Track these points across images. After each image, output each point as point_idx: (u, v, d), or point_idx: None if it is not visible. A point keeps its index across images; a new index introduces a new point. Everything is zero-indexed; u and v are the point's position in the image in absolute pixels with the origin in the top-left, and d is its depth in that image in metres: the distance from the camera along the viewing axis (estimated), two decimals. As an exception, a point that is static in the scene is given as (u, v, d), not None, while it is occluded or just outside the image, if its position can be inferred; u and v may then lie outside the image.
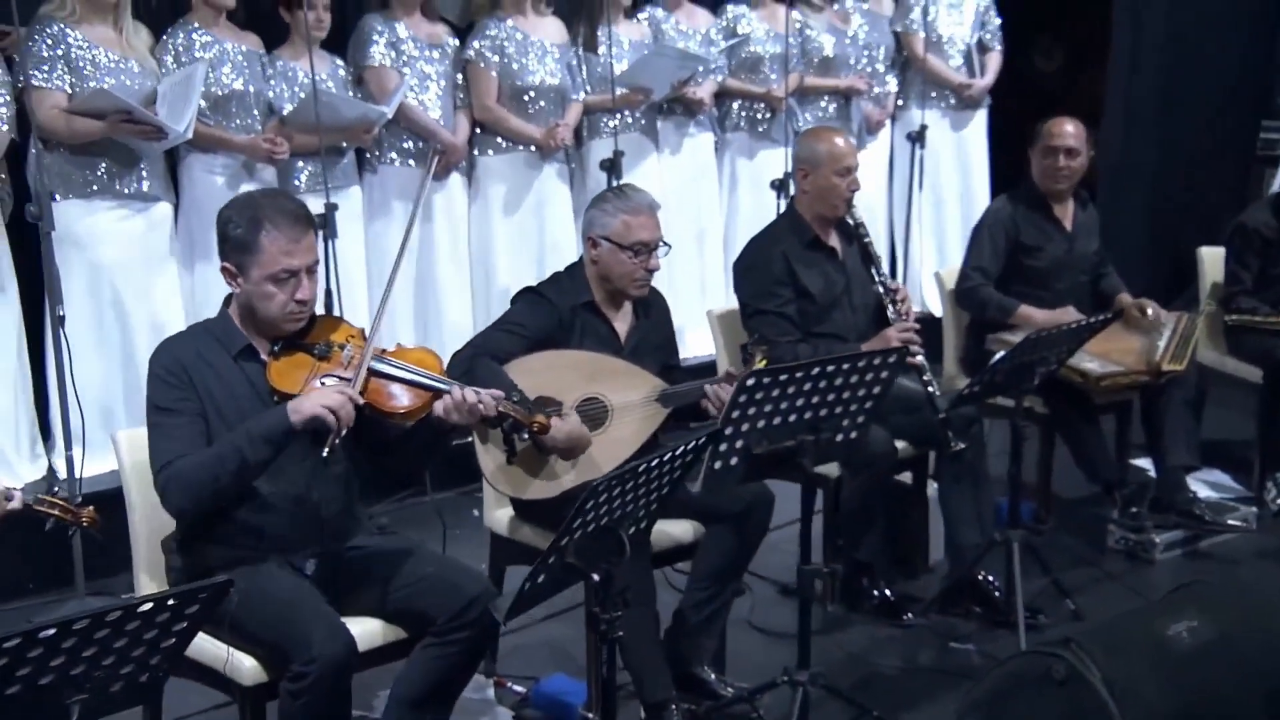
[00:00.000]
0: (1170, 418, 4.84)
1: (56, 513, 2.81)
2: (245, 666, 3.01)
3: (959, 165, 7.18)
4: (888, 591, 4.35)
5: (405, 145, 5.40)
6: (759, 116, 6.45)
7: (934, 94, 6.99)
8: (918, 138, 6.82)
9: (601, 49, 5.71)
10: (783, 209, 5.97)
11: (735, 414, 3.23)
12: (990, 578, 4.33)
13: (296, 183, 5.10)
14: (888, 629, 4.28)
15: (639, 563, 3.55)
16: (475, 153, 5.59)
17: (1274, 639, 3.25)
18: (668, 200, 6.05)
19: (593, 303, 3.79)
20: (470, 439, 3.60)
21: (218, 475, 2.96)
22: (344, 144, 5.20)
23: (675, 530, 3.78)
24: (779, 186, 6.01)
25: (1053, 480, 5.12)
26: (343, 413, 2.92)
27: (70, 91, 4.48)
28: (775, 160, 6.27)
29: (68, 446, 4.26)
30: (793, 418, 3.32)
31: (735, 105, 6.44)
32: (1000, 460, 4.40)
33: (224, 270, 3.11)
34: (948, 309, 5.24)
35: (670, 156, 6.18)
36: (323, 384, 3.07)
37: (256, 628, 2.97)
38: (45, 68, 4.46)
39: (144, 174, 4.68)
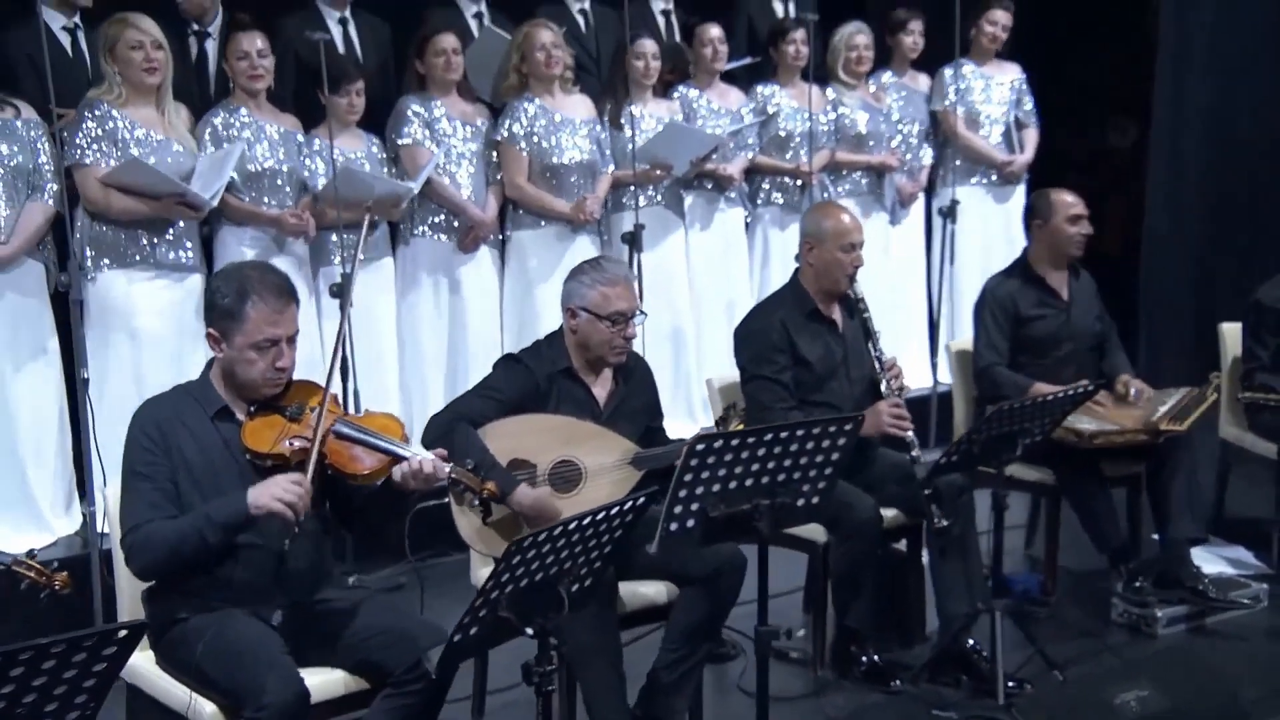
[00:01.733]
0: (1174, 488, 4.75)
1: (32, 575, 2.95)
2: (206, 711, 3.09)
3: (1004, 239, 7.13)
4: (876, 658, 4.31)
5: (437, 219, 5.56)
6: (790, 191, 6.50)
7: (973, 171, 6.99)
8: (949, 213, 6.79)
9: (626, 127, 5.84)
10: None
11: (687, 477, 3.26)
12: (979, 647, 4.27)
13: (331, 254, 5.27)
14: (875, 695, 4.23)
15: (603, 622, 3.59)
16: (510, 228, 5.73)
17: (1227, 715, 3.18)
18: (696, 272, 6.23)
19: (571, 369, 3.86)
20: (446, 500, 3.69)
21: (178, 549, 3.08)
22: (375, 218, 5.36)
23: (649, 591, 3.80)
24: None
25: (1063, 552, 5.04)
26: (299, 505, 3.04)
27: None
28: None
29: (89, 504, 4.43)
30: (748, 482, 3.33)
31: (766, 181, 6.51)
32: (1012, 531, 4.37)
33: (209, 335, 3.24)
34: (957, 380, 5.22)
35: (699, 230, 6.25)
36: (290, 445, 3.19)
37: (216, 674, 3.07)
38: (91, 146, 4.70)
39: (183, 245, 4.88)
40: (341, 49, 5.79)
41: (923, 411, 6.35)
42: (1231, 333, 5.50)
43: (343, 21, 5.88)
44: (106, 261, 4.76)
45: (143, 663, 3.26)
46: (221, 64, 5.26)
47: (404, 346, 5.53)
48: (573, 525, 2.86)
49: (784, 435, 3.33)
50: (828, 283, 4.43)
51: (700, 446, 3.24)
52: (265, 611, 3.22)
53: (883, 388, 4.34)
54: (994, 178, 7.04)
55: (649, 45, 5.94)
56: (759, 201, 6.54)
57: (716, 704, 4.17)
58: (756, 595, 3.42)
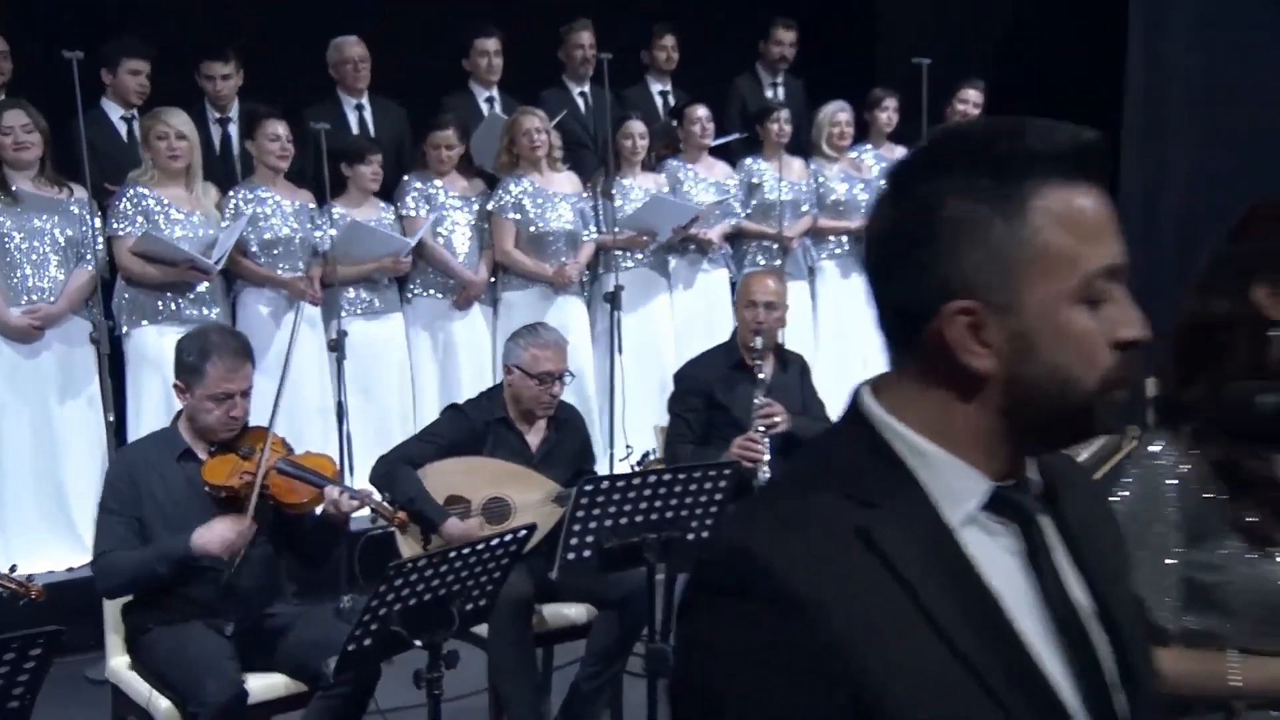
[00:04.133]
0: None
1: (12, 586, 3.37)
2: (162, 706, 3.49)
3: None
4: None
5: (435, 281, 5.99)
6: (773, 255, 6.80)
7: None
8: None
9: (618, 198, 6.21)
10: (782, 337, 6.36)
11: (579, 514, 3.59)
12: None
13: (343, 308, 5.69)
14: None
15: (520, 639, 3.92)
16: (501, 289, 6.12)
17: None
18: (679, 329, 6.53)
19: (507, 418, 4.21)
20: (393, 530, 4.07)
21: (135, 578, 3.52)
22: (384, 277, 5.79)
23: (571, 613, 4.13)
24: (776, 317, 6.34)
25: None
26: (235, 545, 3.44)
27: (145, 240, 5.22)
28: (791, 293, 6.62)
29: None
30: (638, 518, 3.66)
31: (751, 245, 6.83)
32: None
33: (175, 387, 3.68)
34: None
35: (683, 290, 6.57)
36: (241, 478, 3.60)
37: (169, 674, 3.47)
38: (126, 221, 5.19)
39: (207, 303, 5.34)
40: (356, 131, 6.25)
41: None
42: (1151, 386, 5.66)
43: (359, 107, 6.36)
44: (141, 319, 5.23)
45: (121, 666, 3.68)
46: (245, 145, 5.72)
47: (410, 396, 5.93)
48: (453, 553, 3.21)
49: (666, 478, 3.65)
50: (743, 336, 4.74)
51: (588, 488, 3.57)
52: (219, 624, 3.61)
53: (753, 425, 4.55)
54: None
55: (637, 126, 6.31)
56: (745, 264, 6.85)
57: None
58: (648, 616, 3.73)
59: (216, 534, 3.47)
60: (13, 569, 3.39)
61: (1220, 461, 1.87)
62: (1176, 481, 1.90)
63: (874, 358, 5.10)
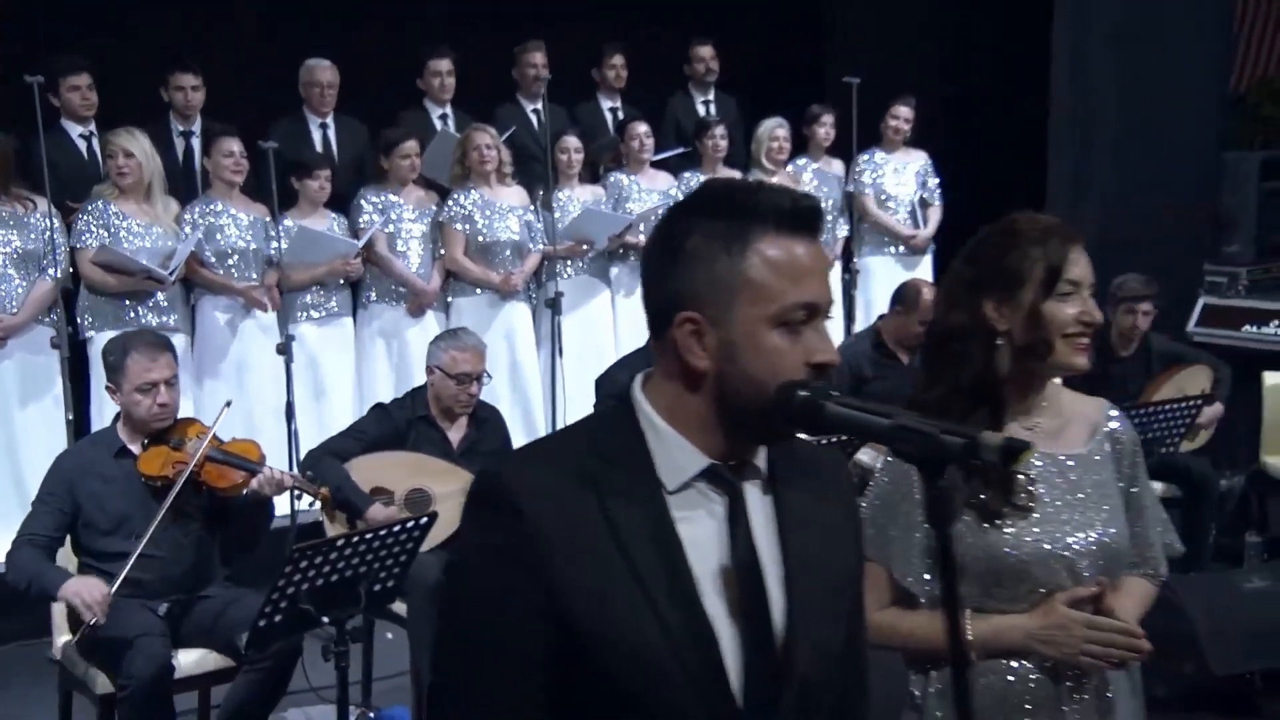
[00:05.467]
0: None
1: None
2: (98, 680, 3.71)
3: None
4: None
5: (390, 289, 6.20)
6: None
7: (883, 243, 7.46)
8: (850, 282, 7.27)
9: (557, 210, 6.44)
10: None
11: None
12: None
13: (298, 312, 5.92)
14: None
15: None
16: (450, 296, 6.34)
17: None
18: (622, 332, 6.75)
19: (429, 416, 4.43)
20: (321, 517, 4.30)
21: (16, 581, 3.73)
22: (336, 282, 6.02)
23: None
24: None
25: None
26: (95, 607, 3.58)
27: (104, 251, 5.45)
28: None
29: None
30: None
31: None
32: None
33: (107, 388, 3.91)
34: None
35: (624, 296, 6.78)
36: (173, 469, 3.82)
37: (104, 652, 3.69)
38: (88, 233, 5.43)
39: (165, 310, 5.56)
40: (320, 148, 6.47)
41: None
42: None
43: (323, 126, 6.58)
44: (102, 324, 5.45)
45: (64, 645, 3.90)
46: (203, 160, 5.94)
47: (360, 395, 6.14)
48: (356, 538, 3.43)
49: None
50: None
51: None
52: (154, 604, 3.83)
53: None
54: (901, 249, 7.49)
55: (572, 140, 6.55)
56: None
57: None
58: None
59: (72, 590, 3.63)
60: None
61: None
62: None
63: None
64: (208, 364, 5.75)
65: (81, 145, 5.91)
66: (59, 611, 3.94)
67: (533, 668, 1.50)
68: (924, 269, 7.56)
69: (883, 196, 7.47)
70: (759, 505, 1.58)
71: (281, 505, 5.41)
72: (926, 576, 2.12)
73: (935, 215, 7.54)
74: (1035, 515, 2.09)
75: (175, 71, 6.17)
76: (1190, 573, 5.01)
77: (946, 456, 1.36)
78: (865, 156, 7.46)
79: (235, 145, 5.76)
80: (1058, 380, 2.23)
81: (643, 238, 6.73)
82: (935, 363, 2.15)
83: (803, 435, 1.59)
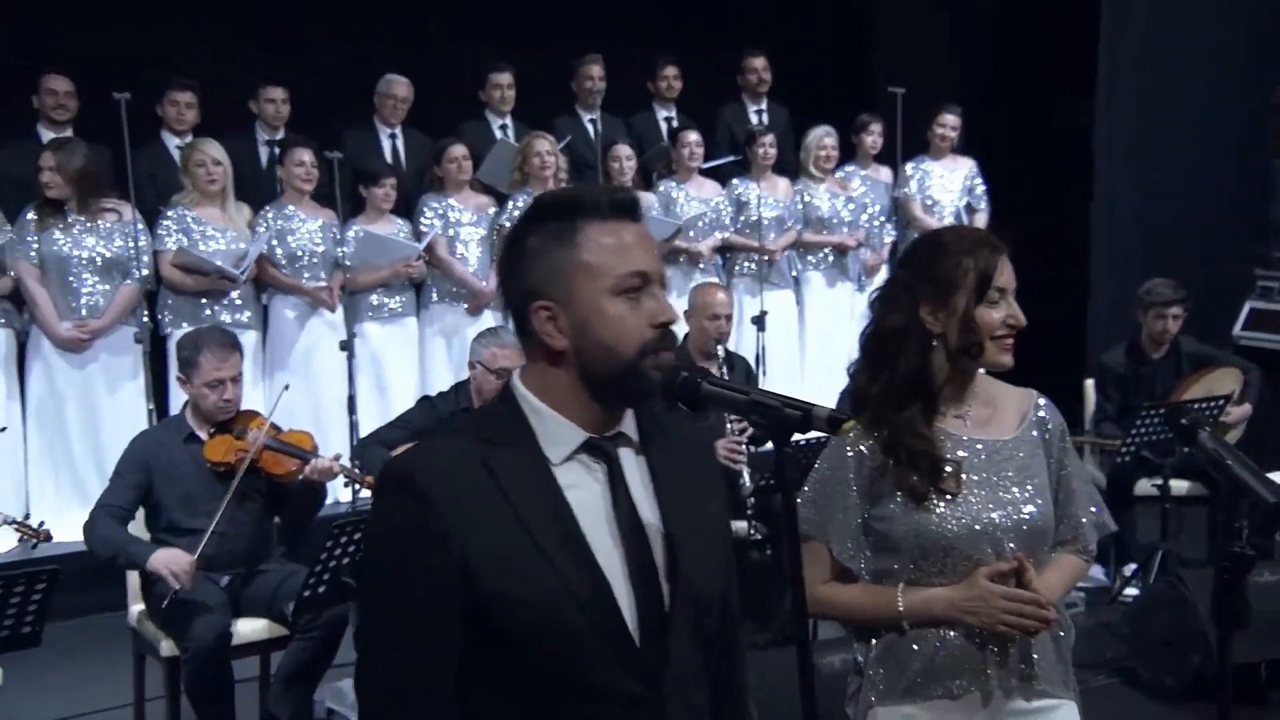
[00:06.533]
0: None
1: (28, 531, 3.97)
2: (164, 645, 4.01)
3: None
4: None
5: (450, 290, 6.49)
6: (760, 265, 7.20)
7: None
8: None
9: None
10: (762, 340, 6.77)
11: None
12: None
13: (365, 313, 6.23)
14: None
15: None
16: (507, 296, 6.60)
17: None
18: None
19: (471, 408, 4.67)
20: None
21: (97, 549, 3.98)
22: (400, 283, 6.31)
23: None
24: (757, 321, 6.76)
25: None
26: (181, 578, 3.86)
27: (184, 253, 5.81)
28: (776, 300, 7.07)
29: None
30: None
31: (740, 257, 7.24)
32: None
33: (178, 379, 4.22)
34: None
35: (676, 297, 6.98)
36: (236, 456, 4.12)
37: (170, 619, 3.99)
38: (169, 237, 5.79)
39: (239, 309, 5.91)
40: (389, 158, 6.79)
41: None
42: (1090, 389, 5.99)
43: (392, 136, 6.91)
44: (180, 321, 5.80)
45: (137, 613, 4.22)
46: (276, 169, 6.29)
47: (422, 390, 6.42)
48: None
49: None
50: (700, 343, 5.16)
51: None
52: (217, 577, 4.13)
53: (727, 429, 4.99)
54: (946, 253, 7.59)
55: (623, 149, 6.79)
56: (734, 273, 7.26)
57: None
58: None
59: (162, 560, 3.90)
60: (26, 517, 3.96)
61: (889, 440, 2.28)
62: (853, 452, 2.31)
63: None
64: (277, 358, 6.08)
65: (177, 156, 6.28)
66: (134, 584, 4.26)
67: (453, 638, 1.66)
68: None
69: (929, 202, 7.59)
70: (635, 468, 1.78)
71: (343, 493, 5.79)
72: (865, 553, 2.31)
73: (980, 221, 7.63)
74: (962, 496, 2.26)
75: (265, 85, 6.56)
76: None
77: (788, 426, 1.57)
78: (913, 163, 7.59)
79: (307, 155, 6.09)
80: (982, 370, 2.37)
81: (699, 244, 6.94)
82: (876, 360, 2.33)
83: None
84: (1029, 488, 2.31)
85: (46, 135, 5.95)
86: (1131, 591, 5.42)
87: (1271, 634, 4.56)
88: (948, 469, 2.26)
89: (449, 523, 1.65)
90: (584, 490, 1.72)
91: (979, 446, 2.31)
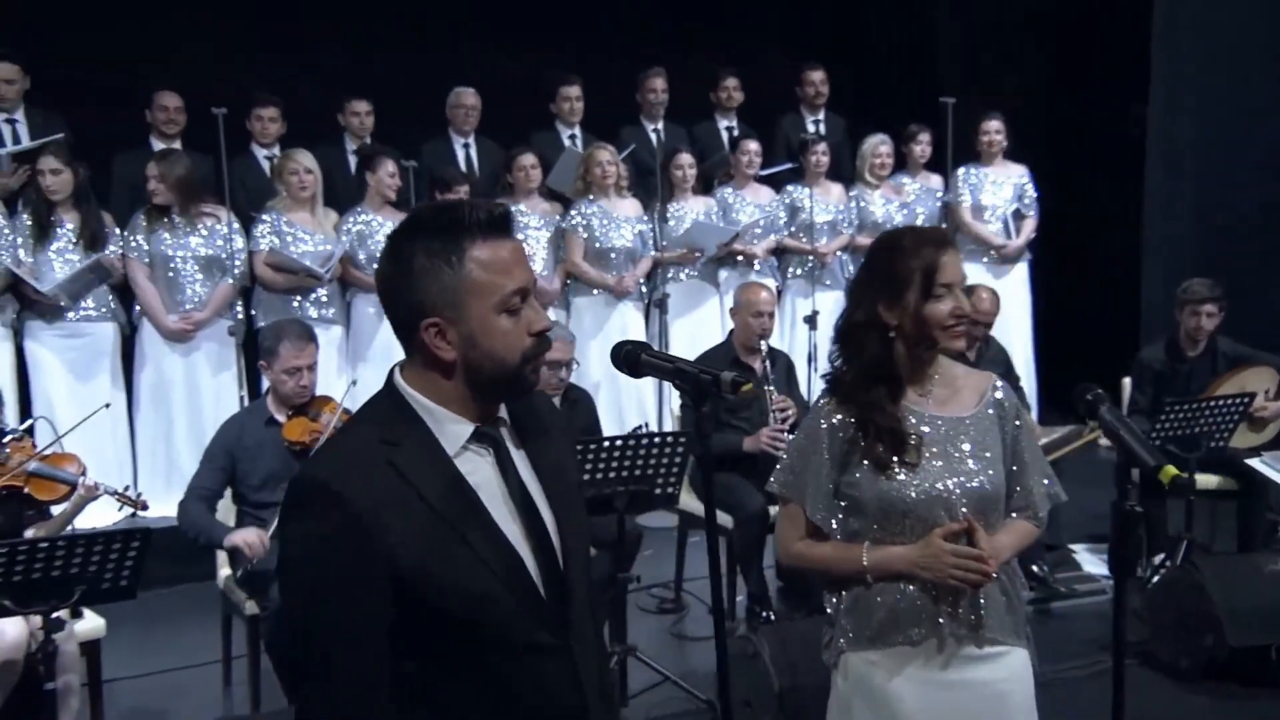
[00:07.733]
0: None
1: (127, 499, 4.36)
2: (248, 606, 4.40)
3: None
4: (770, 614, 5.19)
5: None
6: (813, 267, 7.43)
7: (977, 252, 7.71)
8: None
9: (671, 220, 6.98)
10: (814, 339, 7.00)
11: None
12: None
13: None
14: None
15: None
16: (571, 296, 6.94)
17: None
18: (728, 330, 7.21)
19: (527, 396, 5.00)
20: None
21: (186, 530, 4.37)
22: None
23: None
24: (809, 320, 7.00)
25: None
26: (255, 550, 4.21)
27: (276, 254, 6.23)
28: (827, 300, 7.30)
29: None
30: (611, 474, 4.38)
31: (793, 259, 7.48)
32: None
33: (260, 365, 4.60)
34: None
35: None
36: (310, 436, 4.48)
37: (253, 582, 4.36)
38: (262, 239, 6.22)
39: (323, 304, 6.31)
40: (463, 165, 7.16)
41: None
42: (1127, 385, 6.13)
43: (465, 145, 7.28)
44: (273, 316, 6.20)
45: (226, 580, 4.61)
46: (364, 176, 6.67)
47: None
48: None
49: (631, 443, 4.36)
50: (745, 339, 5.43)
51: (580, 446, 4.21)
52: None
53: (770, 419, 5.26)
54: (994, 256, 7.75)
55: (685, 157, 7.08)
56: (788, 274, 7.50)
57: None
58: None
59: (240, 537, 4.26)
60: (126, 488, 4.36)
61: (858, 416, 2.54)
62: (826, 425, 2.57)
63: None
64: (358, 351, 6.48)
65: (265, 165, 6.72)
66: (222, 554, 4.65)
67: (383, 632, 1.77)
68: (1016, 275, 7.80)
69: (979, 207, 7.75)
70: (512, 448, 1.92)
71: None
72: (837, 516, 2.58)
73: (1028, 226, 7.76)
74: (922, 466, 2.51)
75: (352, 99, 6.97)
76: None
77: (702, 389, 1.86)
78: (964, 170, 7.76)
79: (393, 165, 6.48)
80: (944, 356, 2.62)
81: (754, 247, 7.21)
82: (846, 349, 2.59)
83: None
84: (983, 460, 2.55)
85: (157, 146, 6.44)
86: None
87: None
88: (910, 442, 2.51)
89: (369, 521, 1.75)
90: (479, 474, 1.87)
91: (939, 423, 2.56)
